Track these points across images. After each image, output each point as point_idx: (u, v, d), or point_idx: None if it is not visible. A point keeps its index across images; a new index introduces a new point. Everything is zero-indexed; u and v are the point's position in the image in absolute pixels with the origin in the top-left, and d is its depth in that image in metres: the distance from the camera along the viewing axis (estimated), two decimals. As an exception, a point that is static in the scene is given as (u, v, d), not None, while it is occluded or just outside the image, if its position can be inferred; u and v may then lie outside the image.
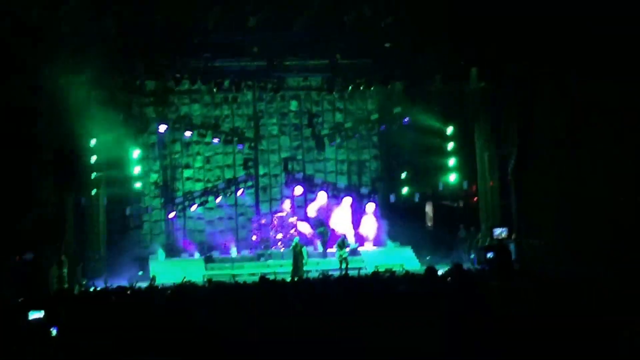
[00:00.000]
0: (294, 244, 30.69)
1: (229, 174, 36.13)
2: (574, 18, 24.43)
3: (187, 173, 36.00)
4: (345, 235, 33.55)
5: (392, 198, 36.56)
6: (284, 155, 36.68)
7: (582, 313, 8.85)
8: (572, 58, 25.95)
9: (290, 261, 30.57)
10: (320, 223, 35.32)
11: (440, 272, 18.13)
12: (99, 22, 27.84)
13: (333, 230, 35.08)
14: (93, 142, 31.86)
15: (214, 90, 34.20)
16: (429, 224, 36.78)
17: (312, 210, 36.22)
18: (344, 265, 30.98)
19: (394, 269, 26.61)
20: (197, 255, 33.95)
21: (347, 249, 31.93)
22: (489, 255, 28.33)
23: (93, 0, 26.94)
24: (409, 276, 20.07)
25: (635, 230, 24.86)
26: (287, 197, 36.40)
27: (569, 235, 26.52)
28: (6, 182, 26.10)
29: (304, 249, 30.87)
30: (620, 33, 23.89)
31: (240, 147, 35.94)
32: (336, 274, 27.10)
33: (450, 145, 35.33)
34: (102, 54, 29.11)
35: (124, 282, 24.64)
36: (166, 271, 30.79)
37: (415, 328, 9.52)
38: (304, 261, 30.42)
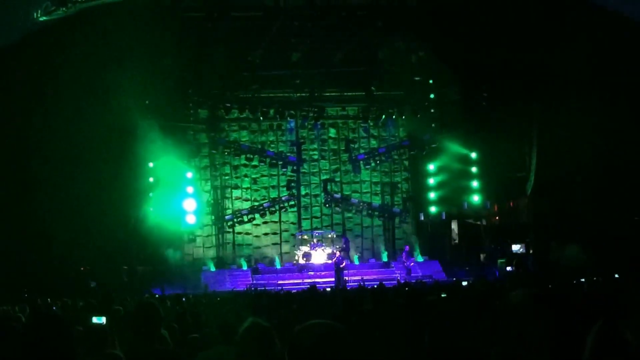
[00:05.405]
0: (336, 258, 30.54)
1: (273, 194, 36.40)
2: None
3: (235, 193, 36.22)
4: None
5: (422, 216, 36.64)
6: (323, 177, 36.91)
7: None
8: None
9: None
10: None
11: (464, 283, 18.34)
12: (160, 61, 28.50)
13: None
14: (151, 164, 31.98)
15: (261, 118, 34.71)
16: (455, 240, 36.73)
17: None
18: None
19: (423, 280, 26.72)
20: (245, 266, 33.98)
21: None
22: (509, 268, 28.56)
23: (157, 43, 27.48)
24: (437, 285, 20.25)
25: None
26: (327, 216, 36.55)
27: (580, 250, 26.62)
28: (75, 206, 26.64)
29: (344, 262, 30.90)
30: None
31: (284, 170, 36.09)
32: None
33: (474, 169, 35.34)
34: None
35: (179, 291, 24.86)
36: (216, 281, 31.04)
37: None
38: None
